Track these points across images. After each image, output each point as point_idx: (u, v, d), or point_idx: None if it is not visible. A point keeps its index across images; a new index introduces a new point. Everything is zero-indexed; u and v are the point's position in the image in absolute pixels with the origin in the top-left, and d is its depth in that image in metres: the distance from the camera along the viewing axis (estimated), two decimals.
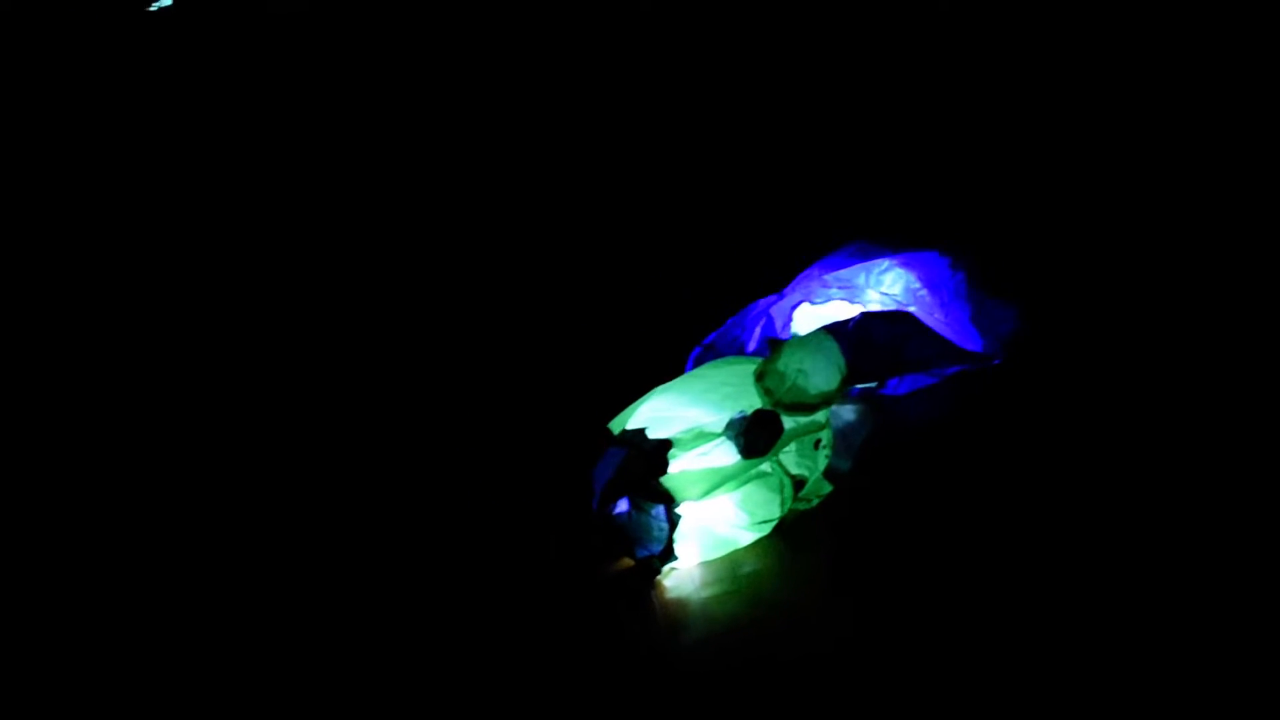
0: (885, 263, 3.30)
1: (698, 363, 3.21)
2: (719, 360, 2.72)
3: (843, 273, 3.34)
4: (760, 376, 2.50)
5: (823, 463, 2.53)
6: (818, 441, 2.51)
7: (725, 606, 2.40)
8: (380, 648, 2.41)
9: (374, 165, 5.17)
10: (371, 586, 2.58)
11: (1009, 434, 2.86)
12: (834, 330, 2.75)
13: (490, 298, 4.04)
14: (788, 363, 2.49)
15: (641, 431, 2.46)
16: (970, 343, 3.10)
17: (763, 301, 3.38)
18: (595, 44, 6.28)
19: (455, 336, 3.78)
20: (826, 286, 3.30)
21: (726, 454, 2.45)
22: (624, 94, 5.73)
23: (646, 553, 2.45)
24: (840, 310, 3.27)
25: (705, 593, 2.44)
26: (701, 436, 2.44)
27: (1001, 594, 2.35)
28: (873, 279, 3.28)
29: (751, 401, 2.49)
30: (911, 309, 3.21)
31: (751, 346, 3.27)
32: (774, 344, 2.55)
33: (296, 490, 3.01)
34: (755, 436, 2.42)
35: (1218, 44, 4.69)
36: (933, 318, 3.19)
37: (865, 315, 3.02)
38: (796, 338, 2.54)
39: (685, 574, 2.49)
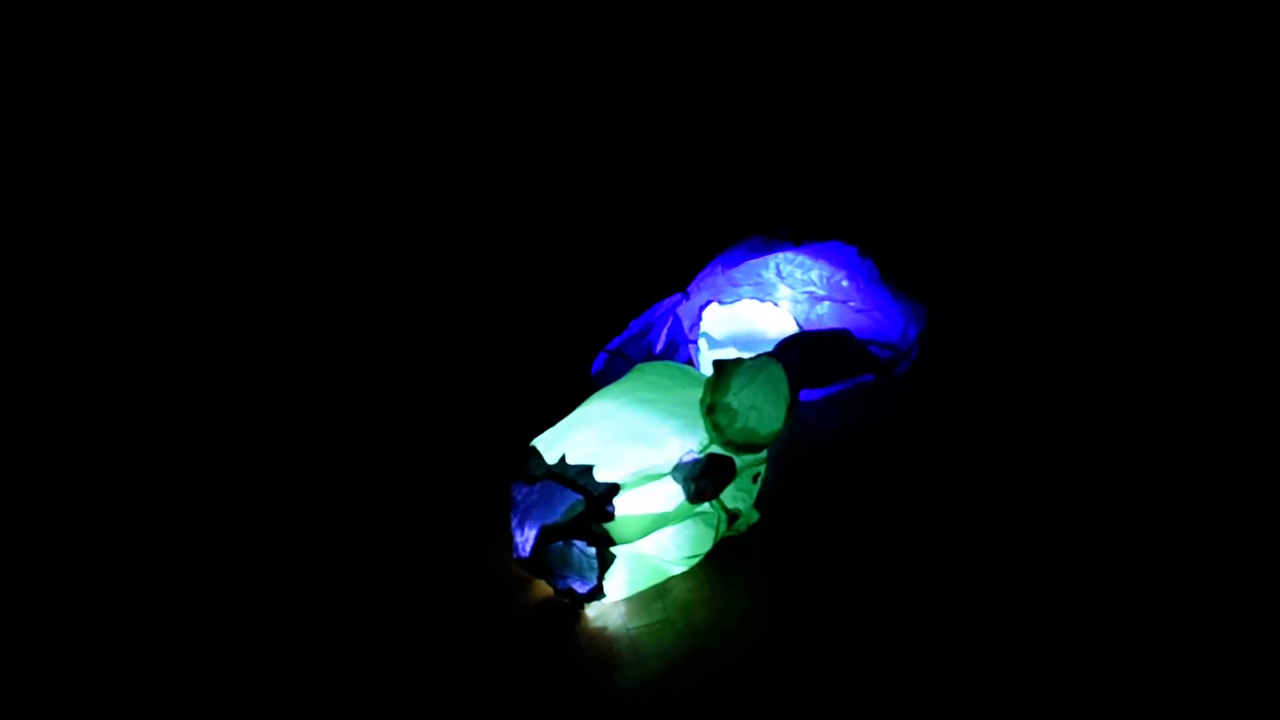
0: (792, 254, 3.16)
1: (606, 368, 2.99)
2: (654, 371, 2.47)
3: (750, 266, 3.17)
4: (710, 410, 2.27)
5: (756, 494, 2.35)
6: (756, 475, 2.34)
7: (657, 639, 2.19)
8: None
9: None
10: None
11: (924, 439, 2.80)
12: (779, 356, 2.53)
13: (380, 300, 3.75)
14: (739, 397, 2.27)
15: (589, 471, 2.19)
16: (893, 329, 2.99)
17: (667, 301, 3.19)
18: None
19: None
20: (736, 285, 3.13)
21: (671, 496, 2.23)
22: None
23: (566, 585, 2.20)
24: (751, 309, 3.11)
25: (634, 625, 2.21)
26: (647, 477, 2.20)
27: (939, 603, 2.26)
28: (783, 272, 3.12)
29: (701, 438, 2.27)
30: (825, 304, 3.08)
31: (659, 348, 3.08)
32: (719, 366, 2.31)
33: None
34: (707, 483, 2.21)
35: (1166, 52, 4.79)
36: (848, 305, 3.07)
37: (807, 336, 2.87)
38: (747, 364, 2.31)
39: (610, 607, 2.26)
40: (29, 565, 2.47)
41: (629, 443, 2.22)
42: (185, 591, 2.37)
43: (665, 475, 2.20)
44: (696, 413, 2.28)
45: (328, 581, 2.38)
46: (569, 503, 2.16)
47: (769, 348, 3.02)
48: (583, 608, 2.24)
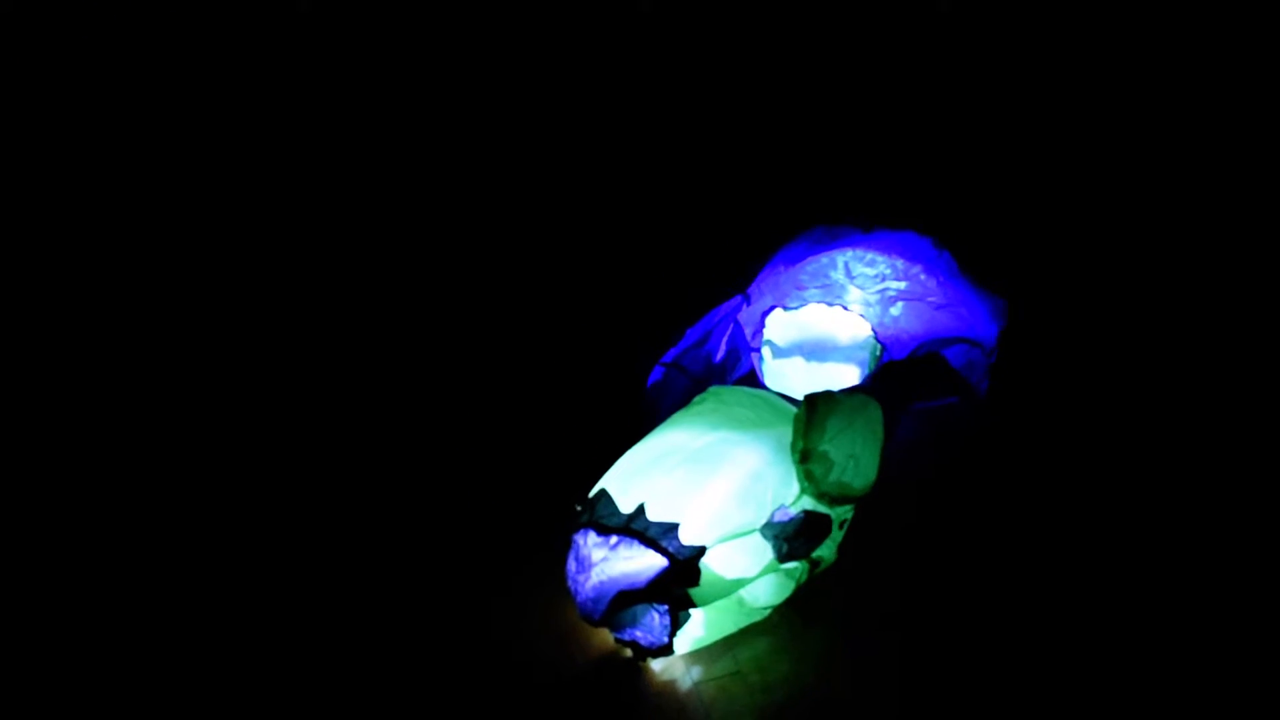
0: (860, 250, 2.90)
1: (664, 382, 2.78)
2: (731, 398, 2.22)
3: (814, 266, 2.93)
4: (804, 457, 2.03)
5: (840, 539, 2.12)
6: (843, 522, 2.10)
7: (729, 695, 1.99)
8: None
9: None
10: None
11: (1008, 467, 2.61)
12: (876, 391, 2.27)
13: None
14: (836, 444, 2.03)
15: (674, 531, 1.94)
16: (981, 325, 2.72)
17: (726, 306, 2.96)
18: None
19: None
20: (801, 287, 2.90)
21: (757, 552, 2.00)
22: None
23: (630, 637, 2.01)
24: (819, 314, 2.87)
25: (702, 679, 2.02)
26: (735, 534, 1.98)
27: (1014, 640, 2.08)
28: (853, 271, 2.87)
29: (792, 488, 2.03)
30: (899, 304, 2.82)
31: (719, 357, 2.87)
32: (812, 403, 2.05)
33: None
34: (800, 543, 1.98)
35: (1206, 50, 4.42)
36: (927, 301, 2.80)
37: (901, 365, 2.62)
38: (844, 404, 2.07)
39: (675, 658, 2.07)
40: (32, 566, 2.39)
41: (713, 492, 1.98)
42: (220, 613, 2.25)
43: (754, 532, 1.98)
44: (786, 457, 2.04)
45: (372, 628, 2.22)
46: (650, 567, 1.92)
47: (841, 357, 2.80)
48: (645, 660, 2.05)
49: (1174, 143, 4.08)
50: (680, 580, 1.90)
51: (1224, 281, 3.38)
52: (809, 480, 2.00)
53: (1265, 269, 3.40)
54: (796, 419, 2.04)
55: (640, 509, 1.97)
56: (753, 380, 2.86)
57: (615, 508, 2.01)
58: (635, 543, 1.93)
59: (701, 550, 1.92)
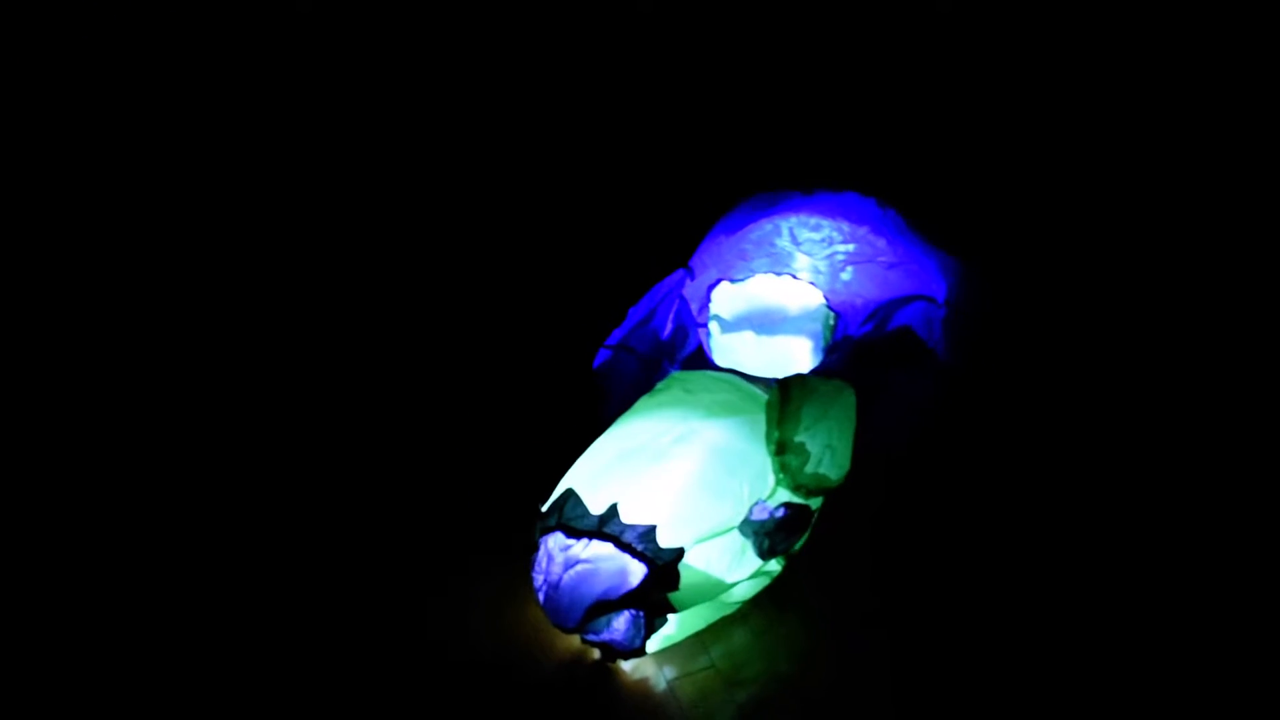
0: (804, 215, 2.80)
1: (611, 365, 2.65)
2: (696, 384, 2.11)
3: (758, 234, 2.83)
4: (780, 448, 1.92)
5: (809, 531, 2.03)
6: (815, 512, 2.01)
7: (704, 693, 1.90)
8: None
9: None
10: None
11: (981, 447, 2.53)
12: (847, 376, 2.16)
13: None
14: (813, 434, 1.93)
15: (652, 534, 1.80)
16: (933, 283, 2.66)
17: (668, 281, 2.85)
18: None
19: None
20: (746, 258, 2.79)
21: (739, 552, 1.89)
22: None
23: (599, 639, 1.89)
24: (766, 284, 2.77)
25: (675, 676, 1.93)
26: (713, 533, 1.86)
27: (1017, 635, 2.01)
28: (799, 238, 2.77)
29: (768, 481, 1.92)
30: (849, 269, 2.74)
31: (666, 334, 2.76)
32: (785, 389, 1.94)
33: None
34: (781, 539, 1.88)
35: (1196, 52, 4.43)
36: (878, 262, 2.72)
37: (860, 342, 2.52)
38: (820, 391, 1.97)
39: (647, 658, 1.96)
40: (26, 566, 2.24)
41: (687, 489, 1.87)
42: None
43: (732, 530, 1.88)
44: (759, 446, 1.93)
45: (338, 631, 2.06)
46: (629, 575, 1.79)
47: (792, 329, 2.71)
48: (615, 661, 1.95)
49: (1157, 130, 4.08)
50: (659, 585, 1.79)
51: (1188, 248, 3.37)
52: (784, 472, 1.91)
53: (1228, 230, 3.42)
54: (769, 407, 1.94)
55: (613, 509, 1.84)
56: (702, 356, 2.76)
57: (585, 509, 1.87)
58: (610, 547, 1.81)
59: (680, 552, 1.80)
